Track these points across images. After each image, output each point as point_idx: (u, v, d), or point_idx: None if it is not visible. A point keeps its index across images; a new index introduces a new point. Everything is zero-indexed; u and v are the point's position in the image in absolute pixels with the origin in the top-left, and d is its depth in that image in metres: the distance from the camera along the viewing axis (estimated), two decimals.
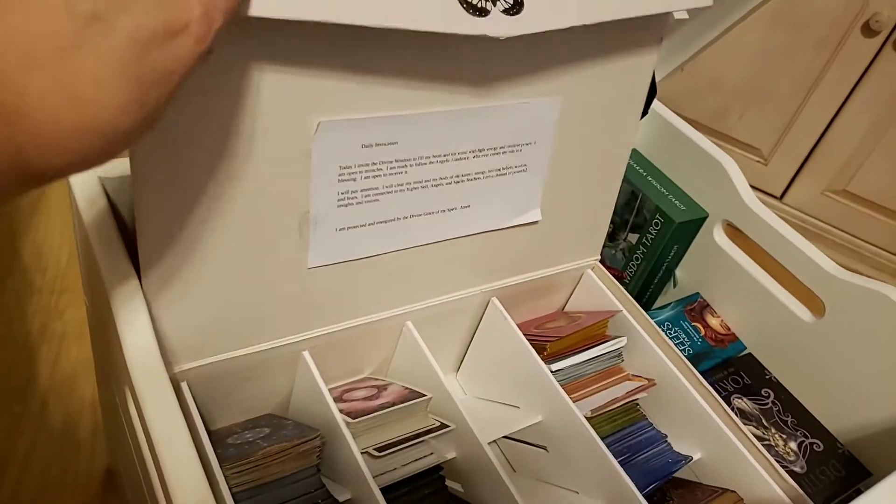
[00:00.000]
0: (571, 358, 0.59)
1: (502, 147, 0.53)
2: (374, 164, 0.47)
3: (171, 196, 0.41)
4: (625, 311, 0.64)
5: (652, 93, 0.66)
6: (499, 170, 0.54)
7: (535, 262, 0.63)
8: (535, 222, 0.60)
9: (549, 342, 0.59)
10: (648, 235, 0.74)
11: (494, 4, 0.42)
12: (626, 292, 0.66)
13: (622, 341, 0.62)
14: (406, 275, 0.55)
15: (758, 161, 1.37)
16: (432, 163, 0.50)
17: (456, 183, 0.52)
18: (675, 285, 0.78)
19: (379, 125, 0.46)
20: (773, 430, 0.65)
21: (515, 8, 0.43)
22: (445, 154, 0.50)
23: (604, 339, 0.62)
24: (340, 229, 0.49)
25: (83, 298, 0.85)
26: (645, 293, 0.78)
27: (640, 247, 0.75)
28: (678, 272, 0.78)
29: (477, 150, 0.52)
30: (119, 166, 0.50)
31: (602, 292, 0.67)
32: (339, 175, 0.46)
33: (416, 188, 0.50)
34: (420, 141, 0.48)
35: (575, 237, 0.64)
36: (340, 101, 0.43)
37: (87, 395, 0.77)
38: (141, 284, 0.43)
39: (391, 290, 0.55)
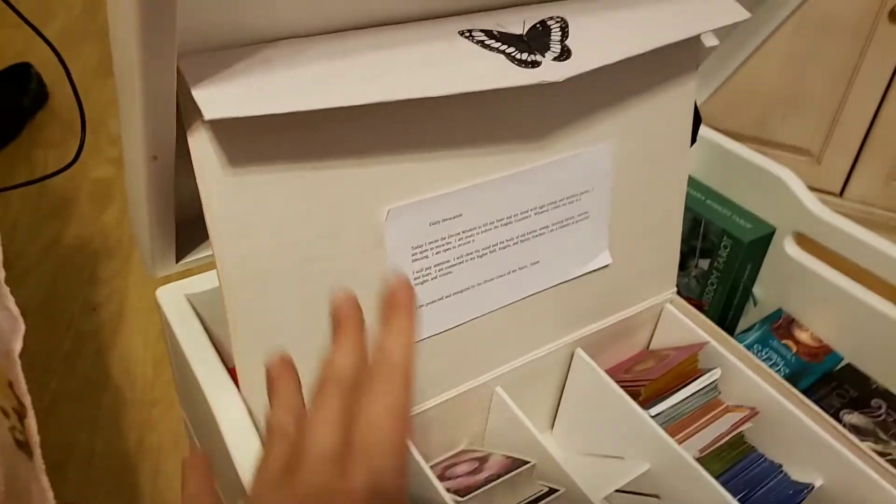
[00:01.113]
0: (668, 399, 0.57)
1: (562, 200, 0.53)
2: (443, 238, 0.48)
3: (260, 310, 0.42)
4: (712, 342, 0.62)
5: (697, 120, 0.65)
6: (561, 221, 0.54)
7: (612, 306, 0.62)
8: (606, 266, 0.59)
9: (642, 386, 0.58)
10: (720, 259, 0.72)
11: (544, 55, 0.43)
12: (708, 321, 0.64)
13: (716, 373, 0.60)
14: (489, 340, 0.55)
15: (809, 161, 1.34)
16: (497, 227, 0.50)
17: (522, 242, 0.52)
18: (755, 304, 0.76)
19: (444, 201, 0.47)
20: (895, 443, 0.61)
21: (564, 55, 0.44)
22: (508, 216, 0.51)
23: (697, 375, 0.60)
24: (420, 306, 0.49)
25: (176, 410, 0.88)
26: (726, 317, 0.76)
27: (713, 271, 0.74)
28: (756, 291, 0.76)
29: (538, 206, 0.52)
30: (200, 282, 0.52)
31: (684, 324, 0.65)
32: (413, 255, 0.47)
33: (485, 254, 0.51)
34: (483, 209, 0.49)
35: (648, 273, 0.64)
36: (406, 185, 0.45)
37: None
38: (240, 392, 0.44)
39: (476, 358, 0.55)
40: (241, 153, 0.38)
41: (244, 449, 0.41)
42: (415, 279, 0.48)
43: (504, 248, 0.52)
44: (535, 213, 0.52)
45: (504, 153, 0.48)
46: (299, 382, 0.32)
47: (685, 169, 0.61)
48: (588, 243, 0.57)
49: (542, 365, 0.59)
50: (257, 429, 0.43)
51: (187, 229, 0.49)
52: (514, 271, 0.53)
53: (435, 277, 0.49)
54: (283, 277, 0.42)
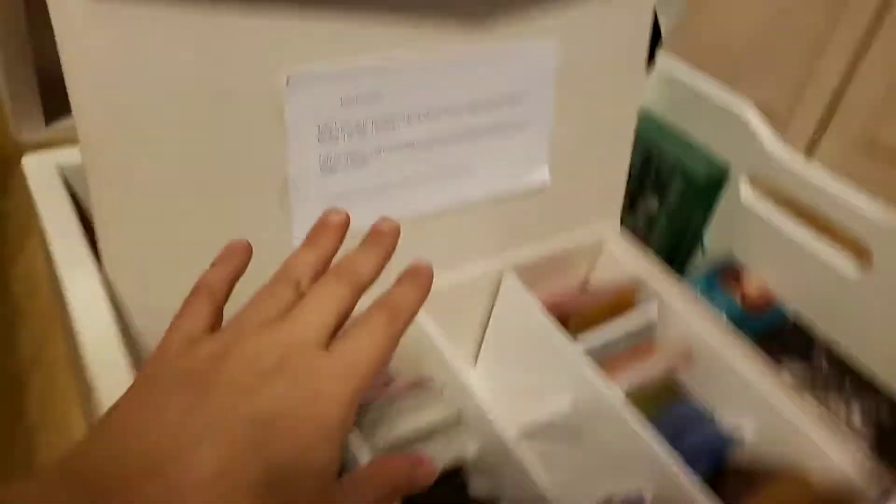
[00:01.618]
0: (600, 334, 0.53)
1: (498, 99, 0.48)
2: (358, 122, 0.42)
3: (129, 176, 0.36)
4: (651, 279, 0.58)
5: (656, 37, 0.60)
6: (497, 125, 0.49)
7: (548, 231, 0.57)
8: (543, 183, 0.54)
9: (571, 316, 0.53)
10: (669, 199, 0.68)
11: None
12: (651, 256, 0.60)
13: (652, 309, 0.55)
14: (407, 251, 0.49)
15: (776, 124, 1.30)
16: (422, 120, 0.45)
17: (451, 143, 0.47)
18: (704, 254, 0.72)
19: (359, 76, 0.41)
20: (834, 395, 0.58)
21: None
22: (437, 109, 0.45)
23: (633, 308, 0.56)
24: (327, 198, 0.43)
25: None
26: (671, 263, 0.72)
27: (662, 213, 0.69)
28: (705, 238, 0.72)
29: (470, 102, 0.46)
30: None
31: (626, 260, 0.61)
32: (319, 136, 0.41)
33: (407, 149, 0.45)
34: (407, 94, 0.43)
35: (590, 200, 0.59)
36: (312, 49, 0.38)
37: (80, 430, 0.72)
38: (103, 274, 0.38)
39: (390, 270, 0.49)
40: None
41: (96, 337, 0.35)
42: (322, 166, 0.42)
43: (429, 146, 0.46)
44: (468, 112, 0.46)
45: (434, 27, 0.42)
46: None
47: (638, 88, 0.56)
48: (525, 155, 0.52)
49: (467, 287, 0.54)
50: (118, 313, 0.37)
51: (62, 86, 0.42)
52: (440, 176, 0.48)
53: (346, 167, 0.43)
54: (159, 139, 0.36)
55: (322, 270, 0.28)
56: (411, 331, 0.51)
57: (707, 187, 0.66)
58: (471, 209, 0.51)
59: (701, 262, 0.73)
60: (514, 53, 0.46)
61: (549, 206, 0.56)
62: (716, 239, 0.71)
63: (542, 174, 0.53)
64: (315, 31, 0.38)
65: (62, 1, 0.31)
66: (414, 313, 0.28)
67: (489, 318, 0.59)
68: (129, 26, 0.33)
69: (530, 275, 0.57)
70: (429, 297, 0.51)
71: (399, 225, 0.32)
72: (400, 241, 0.49)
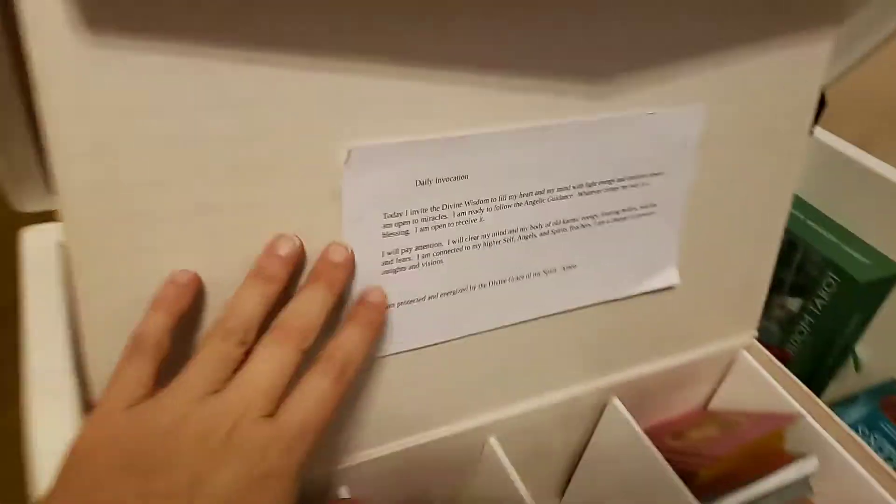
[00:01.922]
0: (740, 493, 0.39)
1: (621, 179, 0.36)
2: (435, 208, 0.31)
3: (123, 270, 0.26)
4: (807, 415, 0.44)
5: (821, 104, 0.48)
6: (617, 212, 0.37)
7: (670, 344, 0.45)
8: (670, 287, 0.42)
9: (701, 465, 0.40)
10: (818, 300, 0.54)
11: None
12: (801, 384, 0.46)
13: (811, 465, 0.42)
14: (486, 371, 0.38)
15: None
16: (519, 204, 0.34)
17: (555, 233, 0.36)
18: (857, 369, 0.57)
19: (439, 151, 0.30)
20: None
21: None
22: (538, 191, 0.34)
23: (782, 460, 0.42)
24: (388, 306, 0.33)
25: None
26: (813, 379, 0.58)
27: (806, 315, 0.55)
28: (860, 351, 0.57)
29: (585, 183, 0.35)
30: None
31: (764, 382, 0.47)
32: (385, 225, 0.31)
33: (496, 242, 0.34)
34: (501, 173, 0.32)
35: (724, 305, 0.46)
36: (384, 115, 0.28)
37: None
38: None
39: (466, 394, 0.38)
40: (108, 9, 0.23)
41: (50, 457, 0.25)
42: (385, 264, 0.32)
43: (526, 237, 0.35)
44: (580, 193, 0.35)
45: (541, 93, 0.31)
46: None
47: (797, 167, 0.44)
48: (650, 250, 0.40)
49: (559, 414, 0.42)
50: None
51: None
52: (536, 275, 0.36)
53: (416, 266, 0.32)
54: (165, 226, 0.27)
55: (267, 312, 0.27)
56: (489, 467, 0.39)
57: (869, 288, 0.52)
58: (573, 318, 0.39)
59: (852, 380, 0.58)
60: (648, 122, 0.35)
61: (673, 315, 0.43)
62: (873, 352, 0.57)
63: (669, 274, 0.41)
64: (388, 97, 0.28)
65: (45, 38, 0.22)
66: (363, 357, 0.28)
67: (585, 447, 0.46)
68: (133, 69, 0.24)
69: (640, 398, 0.45)
70: (513, 428, 0.40)
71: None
72: (479, 357, 0.38)
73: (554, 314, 0.38)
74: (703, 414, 0.50)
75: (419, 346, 0.35)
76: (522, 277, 0.36)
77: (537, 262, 0.36)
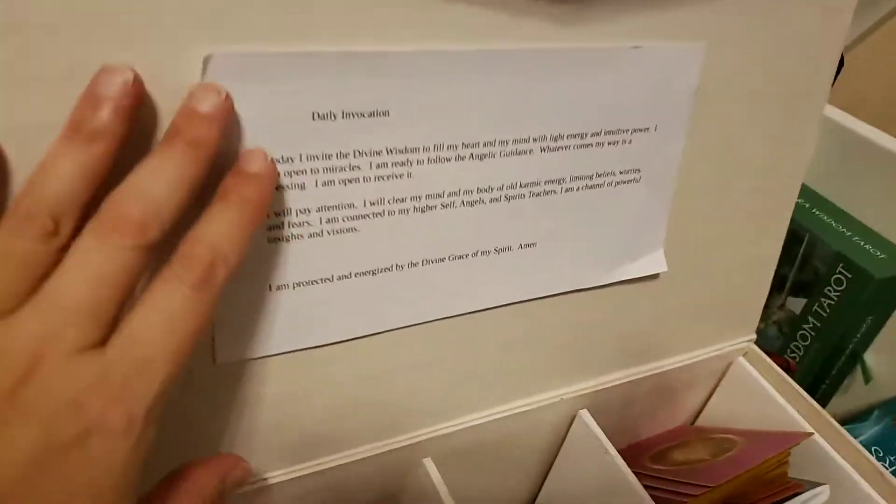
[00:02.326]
0: None
1: (596, 134, 0.28)
2: (344, 154, 0.23)
3: None
4: (816, 434, 0.36)
5: (839, 63, 0.40)
6: (590, 177, 0.29)
7: (651, 348, 0.37)
8: (655, 277, 0.34)
9: (689, 494, 0.32)
10: (825, 300, 0.47)
11: None
12: (811, 399, 0.38)
13: (823, 494, 0.34)
14: (417, 377, 0.30)
15: None
16: (461, 158, 0.26)
17: (509, 200, 0.28)
18: (867, 380, 0.50)
19: (347, 71, 0.22)
20: None
21: None
22: (487, 142, 0.26)
23: (788, 489, 0.34)
24: (279, 287, 0.24)
25: None
26: (815, 392, 0.50)
27: (811, 318, 0.48)
28: (868, 359, 0.50)
29: (548, 136, 0.27)
30: None
31: (764, 394, 0.40)
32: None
33: (430, 208, 0.26)
34: (436, 113, 0.24)
35: (717, 304, 0.38)
36: (257, 13, 0.20)
37: None
38: None
39: (390, 406, 0.30)
40: None
41: None
42: (271, 228, 0.23)
43: (471, 204, 0.27)
44: (543, 149, 0.27)
45: (493, 6, 0.23)
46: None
47: (812, 135, 0.36)
48: (631, 228, 0.32)
49: (511, 432, 0.34)
50: None
51: None
52: (484, 254, 0.28)
53: (318, 233, 0.24)
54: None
55: (92, 188, 0.18)
56: (423, 494, 0.31)
57: (885, 285, 0.45)
58: (529, 311, 0.31)
59: (859, 392, 0.50)
60: (629, 58, 0.27)
61: (657, 311, 0.36)
62: (885, 360, 0.49)
63: (654, 260, 0.33)
64: None
65: None
66: (238, 253, 0.19)
67: (547, 472, 0.38)
68: None
69: (614, 412, 0.37)
70: (453, 447, 0.32)
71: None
72: (409, 359, 0.30)
73: (506, 305, 0.30)
74: (691, 431, 0.42)
75: (324, 344, 0.27)
76: (466, 256, 0.28)
77: (486, 237, 0.28)
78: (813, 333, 0.48)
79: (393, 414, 0.30)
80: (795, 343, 0.49)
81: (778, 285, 0.49)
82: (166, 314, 0.18)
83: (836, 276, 0.46)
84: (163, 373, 0.18)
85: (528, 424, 0.35)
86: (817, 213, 0.48)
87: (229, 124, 0.20)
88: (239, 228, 0.19)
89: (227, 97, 0.20)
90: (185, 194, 0.18)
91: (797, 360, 0.49)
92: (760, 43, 0.30)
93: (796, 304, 0.49)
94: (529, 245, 0.29)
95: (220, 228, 0.19)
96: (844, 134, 0.49)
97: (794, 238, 0.47)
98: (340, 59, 0.22)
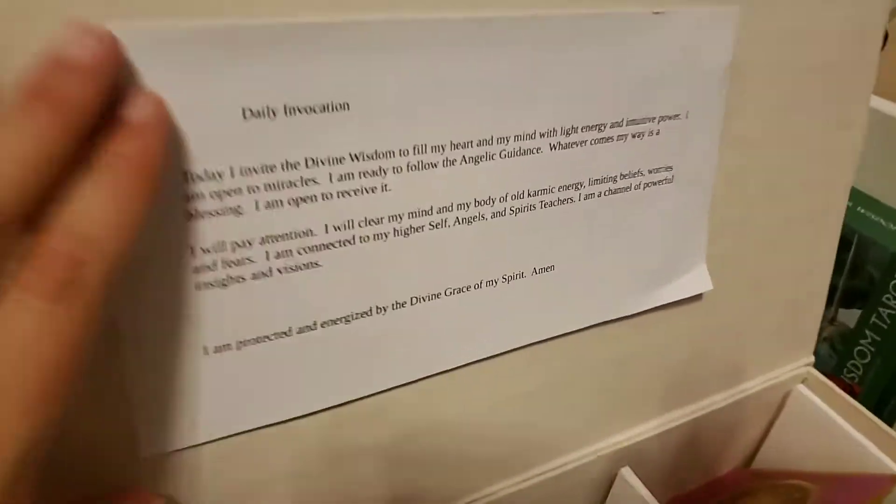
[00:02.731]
0: None
1: (617, 124, 0.22)
2: (293, 164, 0.17)
3: None
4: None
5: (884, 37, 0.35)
6: (614, 178, 0.23)
7: (698, 383, 0.31)
8: (698, 297, 0.28)
9: None
10: (884, 310, 0.40)
11: None
12: (892, 430, 0.32)
13: None
14: (414, 452, 0.24)
15: None
16: (451, 162, 0.20)
17: (516, 214, 0.22)
18: None
19: (289, 49, 0.16)
20: None
21: None
22: (483, 139, 0.20)
23: None
24: (218, 349, 0.18)
25: None
26: (881, 412, 0.44)
27: (868, 331, 0.42)
28: None
29: (559, 129, 0.21)
30: None
31: (832, 426, 0.33)
32: (190, 196, 0.16)
33: (416, 230, 0.20)
34: (413, 103, 0.18)
35: (769, 322, 0.32)
36: None
37: None
38: None
39: (388, 483, 0.24)
40: None
41: None
42: (199, 271, 0.17)
43: (469, 221, 0.21)
44: (553, 146, 0.21)
45: None
46: None
47: (862, 119, 0.30)
48: (667, 240, 0.26)
49: (542, 500, 0.28)
50: None
51: None
52: (490, 284, 0.22)
53: (265, 273, 0.18)
54: None
55: (52, 170, 0.13)
56: None
57: None
58: (550, 352, 0.25)
59: None
60: (650, 27, 0.21)
61: (700, 340, 0.29)
62: None
63: (697, 276, 0.27)
64: None
65: None
66: (122, 239, 0.13)
67: None
68: None
69: (660, 462, 0.31)
70: None
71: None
72: (412, 427, 0.23)
73: (520, 348, 0.24)
74: (751, 477, 0.35)
75: (284, 419, 0.20)
76: (466, 289, 0.22)
77: (490, 263, 0.22)
78: (873, 349, 0.41)
79: (387, 500, 0.24)
80: (853, 361, 0.43)
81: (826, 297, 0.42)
82: (15, 349, 0.12)
83: (895, 282, 0.39)
84: (16, 437, 0.12)
85: (558, 491, 0.28)
86: (864, 212, 0.42)
87: (112, 83, 0.14)
88: (115, 202, 0.13)
89: (112, 44, 0.14)
90: (45, 166, 0.13)
91: (857, 380, 0.43)
92: (801, 6, 0.25)
93: (849, 317, 0.42)
94: (545, 269, 0.23)
95: (86, 207, 0.13)
96: (888, 123, 0.43)
97: (840, 242, 0.41)
98: (278, 33, 0.16)
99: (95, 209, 0.13)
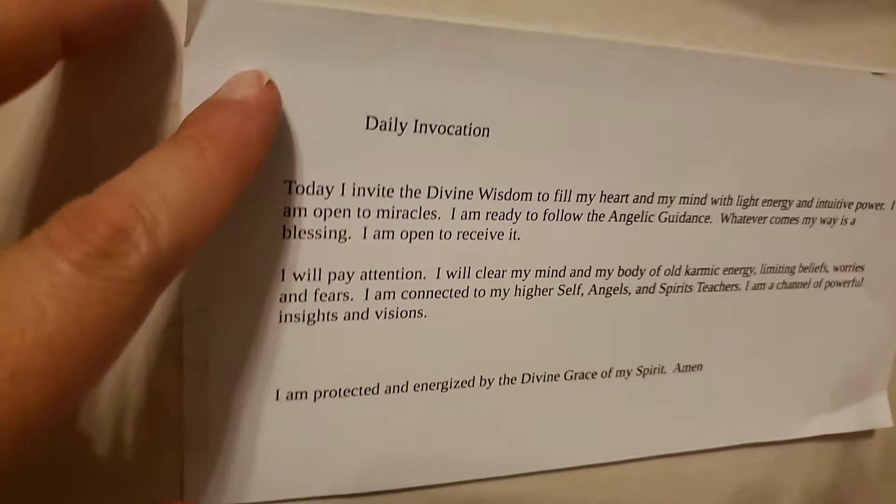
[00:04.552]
0: None
1: (805, 202, 0.18)
2: (413, 191, 0.15)
3: None
4: None
5: None
6: (790, 270, 0.19)
7: None
8: (870, 434, 0.22)
9: None
10: None
11: None
12: None
13: None
14: None
15: None
16: (600, 216, 0.16)
17: (668, 291, 0.18)
18: None
19: (434, 55, 0.14)
20: None
21: None
22: (641, 195, 0.16)
23: None
24: (291, 396, 0.15)
25: None
26: None
27: None
28: None
29: (732, 197, 0.17)
30: None
31: None
32: (289, 210, 0.14)
33: (543, 292, 0.17)
34: (566, 137, 0.15)
35: None
36: None
37: None
38: None
39: None
40: None
41: None
42: (286, 300, 0.15)
43: (607, 293, 0.17)
44: (725, 217, 0.18)
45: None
46: None
47: None
48: (845, 356, 0.21)
49: None
50: None
51: None
52: (623, 374, 0.18)
53: (360, 314, 0.15)
54: None
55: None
56: None
57: None
58: (695, 469, 0.20)
59: None
60: (868, 90, 0.17)
61: (865, 485, 0.23)
62: None
63: (875, 406, 0.22)
64: None
65: None
66: (192, 224, 0.10)
67: None
68: None
69: None
70: None
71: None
72: None
73: (651, 458, 0.19)
74: None
75: (358, 493, 0.17)
76: (592, 376, 0.18)
77: (625, 348, 0.18)
78: None
79: None
80: None
81: None
82: (13, 309, 0.09)
83: None
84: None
85: None
86: None
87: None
88: (190, 182, 0.10)
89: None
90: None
91: None
92: None
93: None
94: (691, 368, 0.19)
95: (154, 178, 0.10)
96: None
97: None
98: (422, 31, 0.13)
99: (164, 183, 0.10)
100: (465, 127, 0.14)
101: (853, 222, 0.19)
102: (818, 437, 0.22)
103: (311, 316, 0.15)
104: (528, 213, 0.16)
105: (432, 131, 0.14)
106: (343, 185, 0.14)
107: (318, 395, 0.16)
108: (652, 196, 0.16)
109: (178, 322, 0.14)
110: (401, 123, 0.14)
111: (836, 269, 0.20)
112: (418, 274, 0.15)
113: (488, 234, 0.15)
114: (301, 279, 0.14)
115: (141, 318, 0.10)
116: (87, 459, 0.15)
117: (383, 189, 0.14)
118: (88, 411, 0.15)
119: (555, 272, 0.16)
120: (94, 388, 0.15)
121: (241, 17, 0.12)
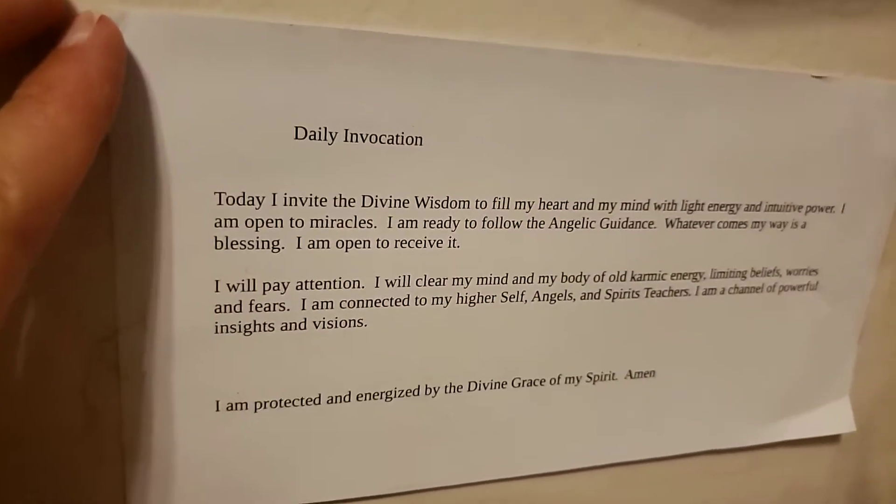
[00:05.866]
0: None
1: (754, 207, 0.18)
2: (347, 200, 0.15)
3: None
4: None
5: None
6: (742, 274, 0.19)
7: None
8: (835, 439, 0.22)
9: None
10: None
11: None
12: None
13: None
14: None
15: None
16: (540, 223, 0.16)
17: (613, 297, 0.18)
18: None
19: (361, 63, 0.14)
20: None
21: None
22: (581, 202, 0.16)
23: None
24: (231, 406, 0.15)
25: None
26: None
27: None
28: None
29: (677, 202, 0.17)
30: None
31: None
32: (219, 221, 0.14)
33: (486, 300, 0.17)
34: (502, 145, 0.15)
35: None
36: None
37: None
38: None
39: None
40: None
41: None
42: (220, 311, 0.15)
43: (552, 300, 0.17)
44: (670, 222, 0.18)
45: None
46: None
47: None
48: (801, 361, 0.21)
49: None
50: None
51: None
52: (571, 381, 0.18)
53: (297, 325, 0.15)
54: None
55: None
56: None
57: None
58: (646, 479, 0.20)
59: None
60: (809, 93, 0.17)
61: (831, 490, 0.23)
62: None
63: (835, 412, 0.22)
64: None
65: None
66: (43, 182, 0.10)
67: None
68: None
69: None
70: None
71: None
72: None
73: (599, 467, 0.19)
74: None
75: (310, 503, 0.17)
76: (539, 383, 0.18)
77: (573, 355, 0.18)
78: None
79: None
80: None
81: None
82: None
83: None
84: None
85: None
86: None
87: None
88: (34, 135, 0.10)
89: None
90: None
91: None
92: None
93: None
94: (643, 374, 0.19)
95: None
96: None
97: None
98: (349, 42, 0.14)
99: (3, 145, 0.10)
100: (397, 136, 0.14)
101: (804, 226, 0.19)
102: (785, 443, 0.22)
103: (246, 327, 0.15)
104: (466, 220, 0.16)
105: (364, 140, 0.14)
106: (274, 195, 0.14)
107: (258, 405, 0.15)
108: (592, 202, 0.16)
109: (115, 334, 0.14)
110: (331, 133, 0.14)
111: (789, 272, 0.20)
112: (356, 283, 0.15)
113: (427, 242, 0.15)
114: (235, 290, 0.14)
115: (12, 277, 0.10)
116: (28, 474, 0.15)
117: (316, 199, 0.14)
118: (27, 424, 0.15)
119: (497, 279, 0.16)
120: (35, 402, 0.15)
121: (164, 33, 0.12)
